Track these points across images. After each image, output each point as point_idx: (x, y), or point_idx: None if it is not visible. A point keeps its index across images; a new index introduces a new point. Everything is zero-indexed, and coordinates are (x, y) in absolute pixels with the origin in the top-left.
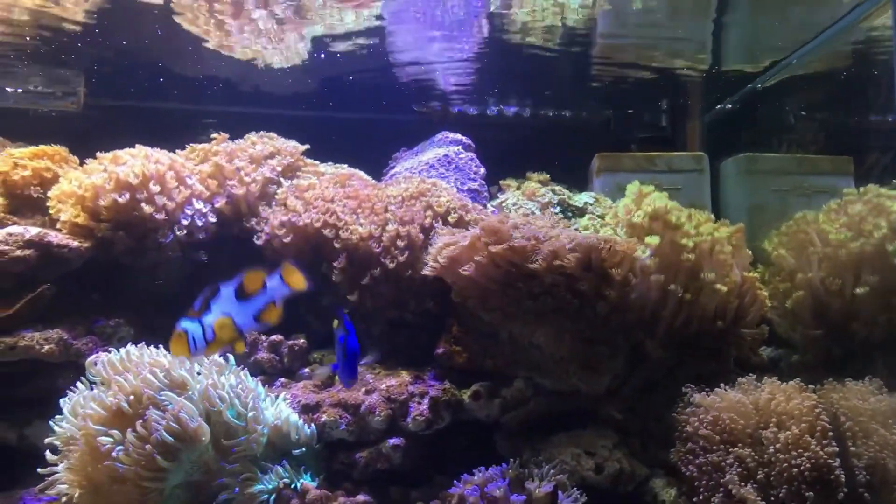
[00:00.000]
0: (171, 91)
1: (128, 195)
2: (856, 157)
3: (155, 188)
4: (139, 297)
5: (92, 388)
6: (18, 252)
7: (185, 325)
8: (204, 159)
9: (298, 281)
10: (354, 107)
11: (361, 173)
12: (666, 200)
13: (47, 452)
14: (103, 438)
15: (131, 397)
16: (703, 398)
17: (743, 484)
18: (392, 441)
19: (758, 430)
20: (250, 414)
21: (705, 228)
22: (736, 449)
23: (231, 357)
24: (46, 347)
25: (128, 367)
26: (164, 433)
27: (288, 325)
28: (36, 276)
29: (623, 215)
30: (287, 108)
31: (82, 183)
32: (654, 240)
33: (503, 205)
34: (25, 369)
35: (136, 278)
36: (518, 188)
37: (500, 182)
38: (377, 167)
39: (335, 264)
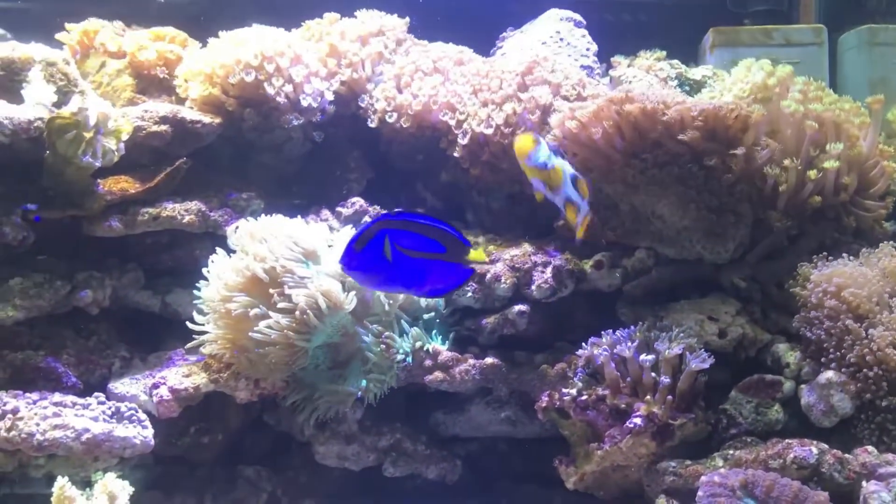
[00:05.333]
0: None
1: (253, 75)
2: None
3: (275, 66)
4: (264, 175)
5: (230, 256)
6: (155, 127)
7: (543, 140)
8: (319, 39)
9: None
10: None
11: (471, 51)
12: (787, 69)
13: (194, 315)
14: (246, 306)
15: (267, 265)
16: (820, 272)
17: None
18: (517, 307)
19: (884, 297)
20: None
21: (827, 99)
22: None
23: None
24: (187, 218)
25: (265, 236)
26: (320, 300)
27: (405, 200)
28: (171, 152)
29: (742, 83)
30: None
31: (209, 62)
32: (789, 104)
33: (621, 79)
34: (165, 240)
35: (261, 155)
36: (629, 65)
37: (612, 59)
38: (483, 49)
39: (459, 141)
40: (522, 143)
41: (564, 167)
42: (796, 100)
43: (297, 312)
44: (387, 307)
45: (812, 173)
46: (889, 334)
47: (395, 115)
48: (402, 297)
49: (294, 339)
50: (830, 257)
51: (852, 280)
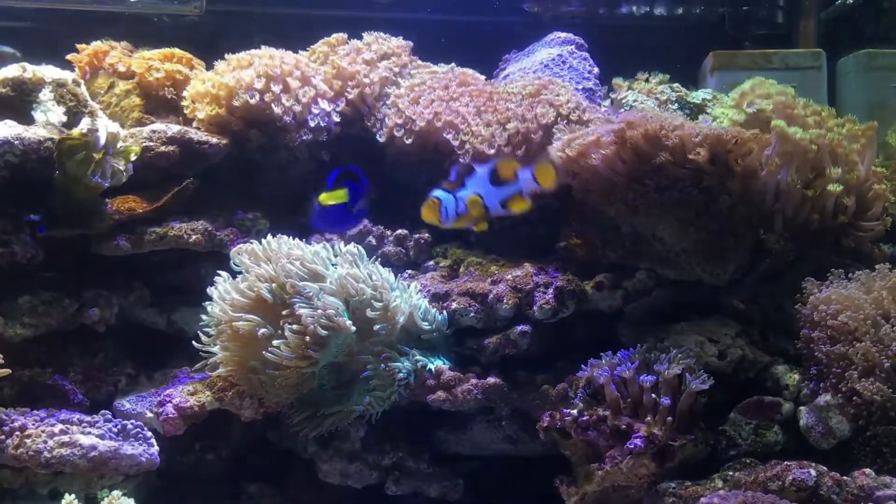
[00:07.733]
0: None
1: (258, 96)
2: None
3: (282, 87)
4: (269, 194)
5: (235, 277)
6: (163, 148)
7: (440, 194)
8: (324, 61)
9: (548, 179)
10: (460, 8)
11: (474, 73)
12: (789, 91)
13: (201, 335)
14: (250, 326)
15: (273, 285)
16: (818, 294)
17: (865, 377)
18: (519, 328)
19: (877, 322)
20: (386, 301)
21: (829, 122)
22: (857, 343)
23: (362, 248)
24: (194, 237)
25: (269, 257)
26: (319, 328)
27: (409, 220)
28: (177, 172)
29: (741, 106)
30: (393, 12)
31: (216, 83)
32: (796, 131)
33: (622, 102)
34: (171, 259)
35: (266, 175)
36: (629, 88)
37: (613, 82)
38: (485, 71)
39: (461, 161)
40: (427, 214)
41: (476, 187)
42: (804, 125)
43: (308, 336)
44: (390, 328)
45: (810, 192)
46: (863, 366)
47: (402, 130)
48: (403, 318)
49: (306, 359)
50: (842, 273)
51: (851, 303)
